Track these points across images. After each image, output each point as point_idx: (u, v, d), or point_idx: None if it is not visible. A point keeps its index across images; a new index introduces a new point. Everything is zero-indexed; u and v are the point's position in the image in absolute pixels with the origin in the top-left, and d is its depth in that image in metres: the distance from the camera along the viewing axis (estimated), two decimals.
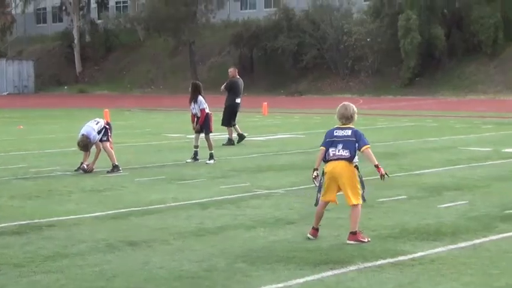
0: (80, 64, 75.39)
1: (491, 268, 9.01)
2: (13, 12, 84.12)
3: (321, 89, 57.03)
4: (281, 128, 30.83)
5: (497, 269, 8.95)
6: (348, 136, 10.48)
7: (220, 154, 20.83)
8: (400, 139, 25.46)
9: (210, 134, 20.38)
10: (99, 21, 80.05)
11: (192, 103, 20.59)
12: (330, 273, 8.90)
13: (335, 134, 10.56)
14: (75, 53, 75.99)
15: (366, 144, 10.54)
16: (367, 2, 60.42)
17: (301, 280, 8.63)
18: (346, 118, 10.68)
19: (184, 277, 8.80)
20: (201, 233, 11.18)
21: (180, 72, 65.39)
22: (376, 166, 10.64)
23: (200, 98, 20.45)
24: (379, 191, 13.96)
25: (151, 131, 30.11)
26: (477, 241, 10.38)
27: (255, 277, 8.76)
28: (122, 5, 77.78)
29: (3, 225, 11.72)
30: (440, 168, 18.12)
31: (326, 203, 10.50)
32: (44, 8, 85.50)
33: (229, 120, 24.51)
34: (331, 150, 10.43)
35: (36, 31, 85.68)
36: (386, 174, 10.65)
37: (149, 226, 11.77)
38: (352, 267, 9.11)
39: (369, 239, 10.33)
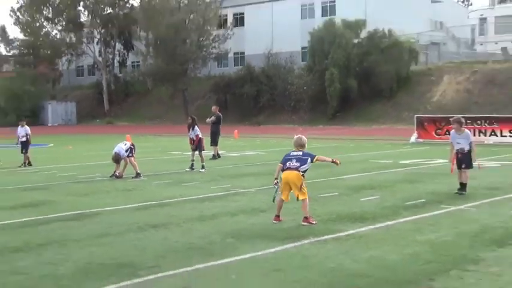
0: (108, 104, 74.80)
1: (400, 241, 9.13)
2: (60, 68, 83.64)
3: (273, 121, 56.93)
4: (248, 147, 30.78)
5: (404, 241, 9.06)
6: (300, 155, 10.68)
7: (209, 165, 20.76)
8: (332, 154, 25.51)
9: (203, 152, 20.36)
10: (120, 75, 79.50)
11: (190, 130, 20.56)
12: (291, 245, 8.98)
13: (291, 154, 10.72)
14: (104, 97, 75.36)
15: (315, 156, 10.73)
16: (304, 62, 60.49)
17: (272, 250, 8.71)
18: (300, 145, 10.95)
19: (193, 248, 8.87)
20: (202, 218, 11.17)
21: (177, 110, 65.07)
22: (333, 161, 11.17)
23: (196, 127, 20.50)
24: (319, 190, 14.02)
25: (160, 150, 29.95)
26: (389, 223, 10.47)
27: (240, 248, 8.83)
28: (136, 63, 77.35)
29: (65, 213, 11.67)
30: (359, 174, 18.18)
31: (283, 200, 10.59)
32: (82, 66, 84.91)
33: (215, 141, 24.52)
34: (288, 163, 10.58)
35: (76, 82, 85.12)
36: (338, 162, 11.23)
37: (165, 214, 11.75)
38: (306, 241, 9.19)
39: (316, 222, 10.40)
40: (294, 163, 10.62)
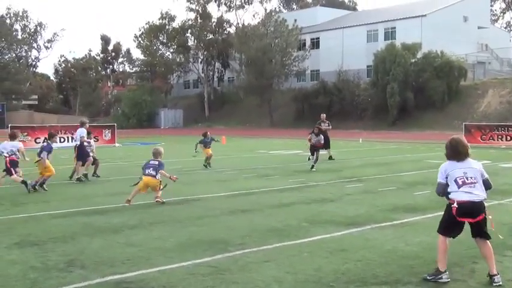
0: (208, 111, 75.97)
1: None
2: (171, 82, 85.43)
3: (342, 126, 55.97)
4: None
5: None
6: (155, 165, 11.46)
7: (286, 162, 20.63)
8: (390, 155, 25.09)
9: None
10: (218, 88, 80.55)
11: (314, 135, 18.63)
12: (355, 230, 8.85)
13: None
14: (205, 105, 76.56)
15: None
16: (369, 78, 59.66)
17: (339, 233, 8.61)
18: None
19: (273, 229, 8.84)
20: (281, 205, 11.17)
21: (263, 116, 65.46)
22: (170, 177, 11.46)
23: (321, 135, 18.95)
24: (380, 184, 13.72)
25: (249, 149, 30.11)
26: (438, 213, 10.11)
27: (312, 231, 8.75)
28: (231, 79, 78.17)
29: (172, 199, 11.85)
30: (414, 172, 17.71)
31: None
32: (188, 80, 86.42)
33: (329, 145, 21.92)
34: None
35: (183, 93, 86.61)
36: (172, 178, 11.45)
37: (251, 201, 11.79)
38: (367, 227, 9.04)
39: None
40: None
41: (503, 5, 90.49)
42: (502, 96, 50.56)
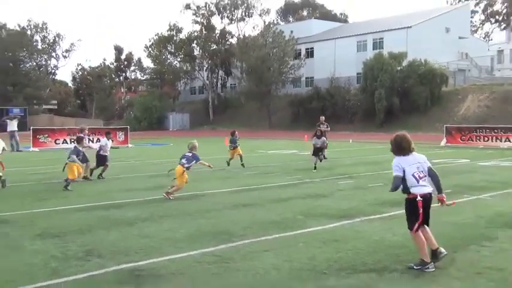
0: (212, 115, 75.87)
1: (430, 221, 8.86)
2: (179, 88, 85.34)
3: (333, 128, 55.56)
4: None
5: (433, 221, 8.70)
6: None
7: (284, 161, 20.54)
8: (377, 154, 25.06)
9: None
10: (221, 93, 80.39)
11: (315, 138, 18.08)
12: (346, 222, 8.88)
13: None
14: (209, 110, 76.47)
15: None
16: (358, 84, 59.49)
17: (332, 225, 8.64)
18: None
19: (272, 222, 8.86)
20: (279, 200, 11.18)
21: (262, 120, 65.38)
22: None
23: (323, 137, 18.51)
24: (369, 181, 13.72)
25: (250, 149, 30.07)
26: None
27: (307, 223, 8.78)
28: (233, 85, 77.86)
29: (180, 194, 11.88)
30: None
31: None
32: (194, 87, 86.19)
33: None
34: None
35: (190, 98, 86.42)
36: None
37: (252, 196, 11.79)
38: (357, 219, 9.08)
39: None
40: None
41: (482, 17, 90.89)
42: (480, 101, 50.52)
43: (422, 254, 6.16)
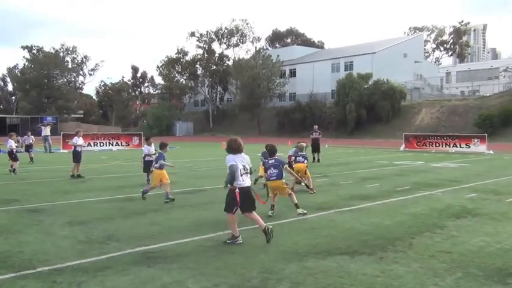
0: (212, 123, 75.62)
1: (392, 212, 8.84)
2: (184, 101, 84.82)
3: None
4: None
5: (395, 213, 8.74)
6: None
7: None
8: (349, 157, 25.13)
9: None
10: (220, 106, 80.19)
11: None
12: (322, 213, 8.85)
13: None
14: (210, 119, 76.25)
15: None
16: (333, 99, 59.38)
17: (311, 216, 8.58)
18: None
19: (261, 213, 8.58)
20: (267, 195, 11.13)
21: (253, 128, 65.27)
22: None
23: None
24: (340, 179, 13.65)
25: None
26: (385, 201, 10.18)
27: (290, 214, 8.62)
28: (229, 99, 77.18)
29: (185, 189, 11.80)
30: (366, 170, 17.65)
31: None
32: (197, 100, 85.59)
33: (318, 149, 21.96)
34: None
35: (194, 109, 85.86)
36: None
37: None
38: (332, 211, 9.04)
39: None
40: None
41: (434, 45, 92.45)
42: (432, 114, 50.95)
43: (233, 230, 6.60)
